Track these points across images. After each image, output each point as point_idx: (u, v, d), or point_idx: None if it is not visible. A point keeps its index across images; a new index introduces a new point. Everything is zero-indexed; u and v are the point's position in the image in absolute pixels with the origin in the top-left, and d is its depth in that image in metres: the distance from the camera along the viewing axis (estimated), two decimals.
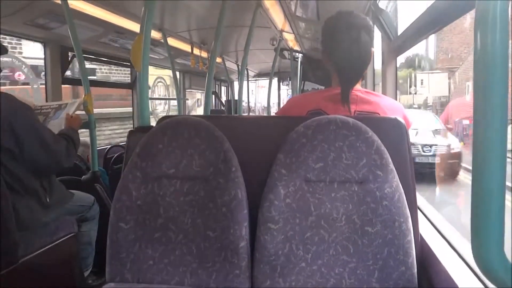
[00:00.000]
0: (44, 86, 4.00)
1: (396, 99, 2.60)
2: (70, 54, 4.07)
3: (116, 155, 4.08)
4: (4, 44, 2.30)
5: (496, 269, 0.72)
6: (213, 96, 8.72)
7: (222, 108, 9.59)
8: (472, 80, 0.70)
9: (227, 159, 1.50)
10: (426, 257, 1.42)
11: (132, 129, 2.08)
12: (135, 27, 4.10)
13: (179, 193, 1.52)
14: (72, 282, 2.34)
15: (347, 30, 1.59)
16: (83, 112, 3.15)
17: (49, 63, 3.90)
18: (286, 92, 12.45)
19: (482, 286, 1.12)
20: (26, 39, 3.81)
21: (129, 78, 5.57)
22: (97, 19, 3.74)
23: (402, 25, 2.39)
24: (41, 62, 4.00)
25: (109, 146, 4.84)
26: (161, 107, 10.35)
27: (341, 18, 1.62)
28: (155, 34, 4.70)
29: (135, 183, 1.53)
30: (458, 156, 6.69)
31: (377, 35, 2.69)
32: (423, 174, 6.23)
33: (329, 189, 1.42)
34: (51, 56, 3.90)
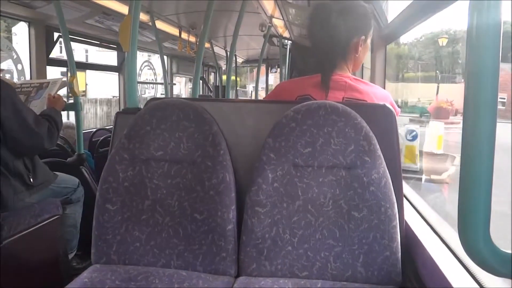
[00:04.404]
0: None
1: (384, 87, 2.62)
2: (55, 34, 4.01)
3: (101, 138, 4.04)
4: None
5: (483, 253, 0.73)
6: (201, 82, 8.67)
7: (210, 94, 9.56)
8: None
9: (215, 142, 1.50)
10: (410, 242, 1.44)
11: (119, 111, 2.05)
12: (122, 8, 4.04)
13: (167, 176, 1.52)
14: (56, 264, 2.33)
15: (318, 13, 1.62)
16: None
17: (34, 43, 3.83)
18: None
19: (464, 269, 1.14)
20: (10, 17, 3.73)
21: None
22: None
23: (393, 13, 2.38)
24: None
25: (95, 129, 4.80)
26: None
27: (318, 3, 1.65)
28: (142, 17, 4.64)
29: (122, 164, 1.52)
30: None
31: None
32: None
33: (317, 174, 1.43)
34: (35, 36, 3.83)
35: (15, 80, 4.17)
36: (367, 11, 1.63)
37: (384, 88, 2.39)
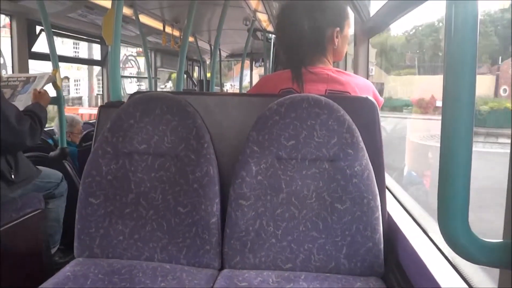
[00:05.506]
0: None
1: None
2: (37, 28, 3.96)
3: (85, 132, 4.01)
4: None
5: (462, 242, 0.74)
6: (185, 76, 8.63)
7: (195, 88, 9.52)
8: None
9: (199, 135, 1.50)
10: (392, 233, 1.45)
11: (102, 104, 2.04)
12: (105, 2, 4.01)
13: (150, 169, 1.52)
14: (39, 259, 2.31)
15: (284, 13, 1.67)
16: None
17: (16, 37, 3.78)
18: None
19: (444, 259, 1.16)
20: None
21: None
22: None
23: (375, 7, 2.39)
24: None
25: None
26: None
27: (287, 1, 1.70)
28: (126, 11, 4.61)
29: (105, 158, 1.51)
30: None
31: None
32: None
33: (300, 167, 1.44)
34: (17, 30, 3.78)
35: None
36: (337, 3, 1.65)
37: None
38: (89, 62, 5.94)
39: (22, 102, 2.59)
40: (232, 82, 17.06)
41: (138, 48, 9.29)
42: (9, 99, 2.53)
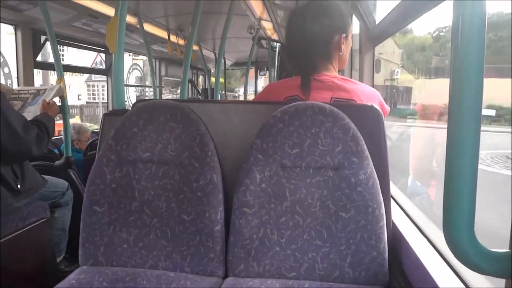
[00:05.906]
0: None
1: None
2: (42, 37, 3.98)
3: (90, 141, 4.02)
4: None
5: (467, 252, 0.73)
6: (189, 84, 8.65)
7: (199, 97, 9.54)
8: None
9: (203, 143, 1.50)
10: (397, 242, 1.44)
11: (106, 112, 2.04)
12: (109, 11, 4.03)
13: (154, 177, 1.52)
14: (44, 268, 2.31)
15: (294, 19, 1.66)
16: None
17: (21, 46, 3.80)
18: None
19: (450, 269, 1.14)
20: None
21: None
22: (70, 2, 3.65)
23: (381, 14, 2.39)
24: None
25: None
26: None
27: (296, 8, 1.69)
28: (130, 19, 4.63)
29: (109, 166, 1.51)
30: None
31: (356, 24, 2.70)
32: None
33: (304, 175, 1.43)
34: (22, 40, 3.80)
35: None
36: (343, 8, 1.65)
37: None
38: (95, 71, 5.95)
39: (31, 113, 2.64)
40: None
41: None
42: (19, 111, 2.56)
